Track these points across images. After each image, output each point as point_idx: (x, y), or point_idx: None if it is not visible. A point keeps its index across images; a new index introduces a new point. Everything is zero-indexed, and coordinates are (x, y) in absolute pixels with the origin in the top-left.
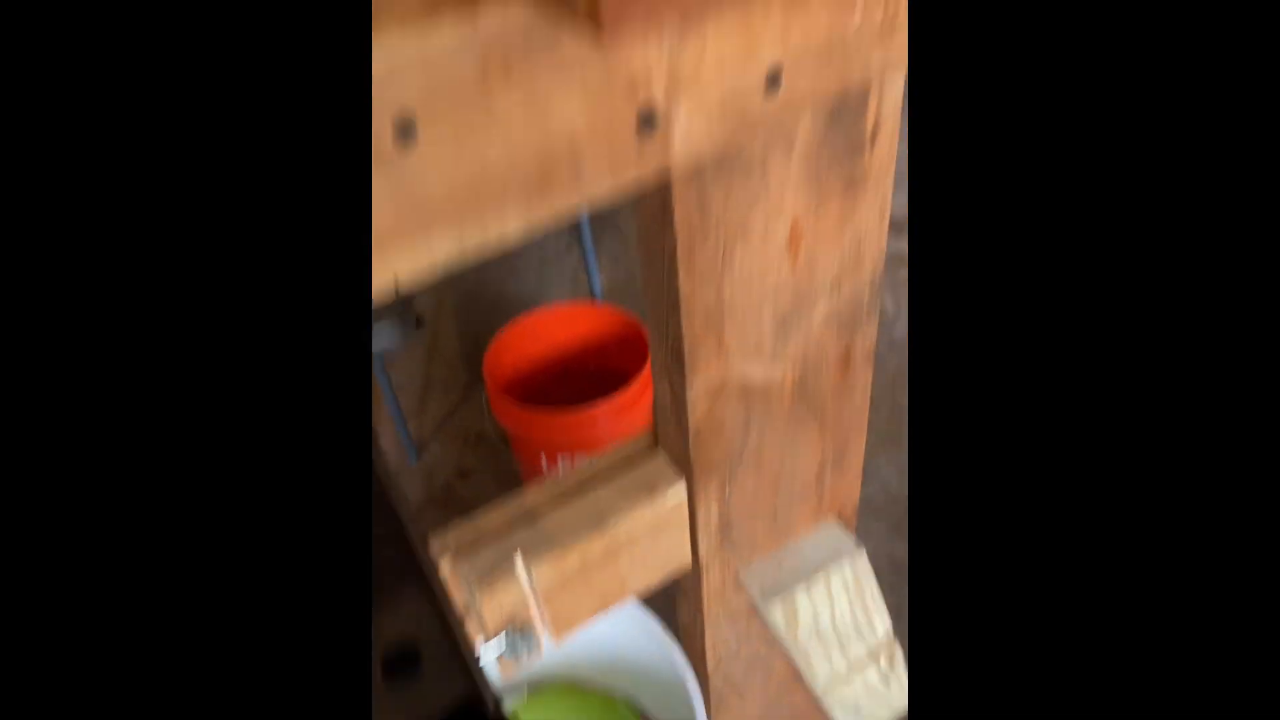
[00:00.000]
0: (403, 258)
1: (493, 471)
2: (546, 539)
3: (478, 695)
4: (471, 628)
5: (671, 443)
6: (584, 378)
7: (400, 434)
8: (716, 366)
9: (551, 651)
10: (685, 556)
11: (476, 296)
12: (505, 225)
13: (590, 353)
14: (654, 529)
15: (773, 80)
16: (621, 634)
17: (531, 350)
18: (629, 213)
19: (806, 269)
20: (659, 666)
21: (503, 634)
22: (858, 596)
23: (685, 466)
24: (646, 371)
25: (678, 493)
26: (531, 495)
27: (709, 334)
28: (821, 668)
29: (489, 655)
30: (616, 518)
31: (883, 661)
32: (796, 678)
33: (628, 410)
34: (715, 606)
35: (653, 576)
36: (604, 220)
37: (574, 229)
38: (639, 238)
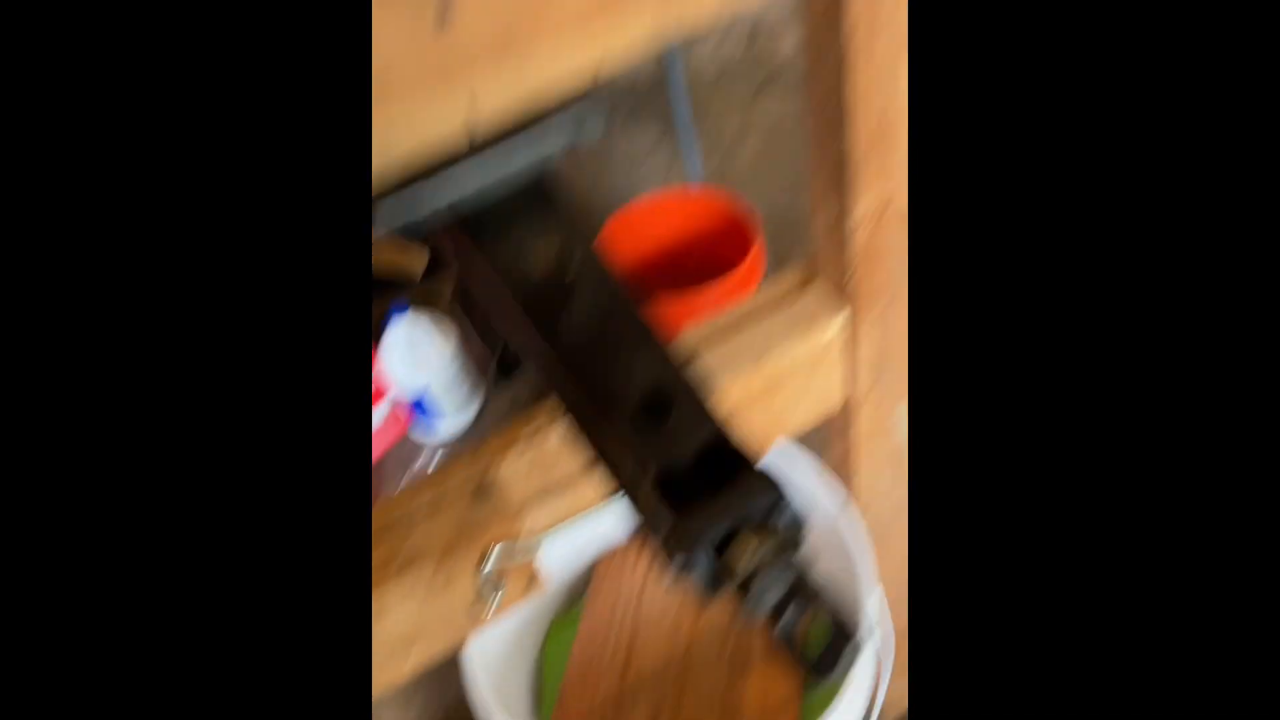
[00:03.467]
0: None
1: None
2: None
3: (724, 436)
4: None
5: (831, 271)
6: (688, 269)
7: None
8: (879, 187)
9: None
10: (836, 397)
11: None
12: None
13: (692, 242)
14: (811, 364)
15: None
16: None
17: (628, 247)
18: (718, 100)
19: None
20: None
21: None
22: None
23: (848, 297)
24: (754, 252)
25: (839, 323)
26: (690, 334)
27: (874, 149)
28: None
29: None
30: (775, 353)
31: None
32: None
33: (735, 294)
34: (870, 446)
35: (807, 416)
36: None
37: (664, 120)
38: (807, 47)
